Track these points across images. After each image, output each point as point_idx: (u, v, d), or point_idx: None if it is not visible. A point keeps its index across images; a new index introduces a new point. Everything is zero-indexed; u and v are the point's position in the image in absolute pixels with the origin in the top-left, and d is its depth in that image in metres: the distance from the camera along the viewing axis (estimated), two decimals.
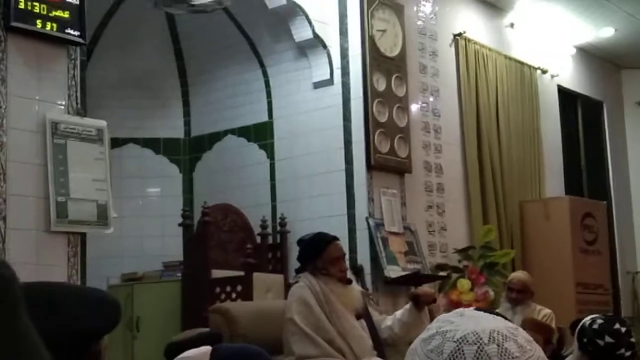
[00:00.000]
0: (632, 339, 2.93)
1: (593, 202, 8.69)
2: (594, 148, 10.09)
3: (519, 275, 6.14)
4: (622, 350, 2.90)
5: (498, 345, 1.05)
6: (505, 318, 1.16)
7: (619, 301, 9.32)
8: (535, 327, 4.84)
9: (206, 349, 2.64)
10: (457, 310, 1.15)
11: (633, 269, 9.95)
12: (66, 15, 4.84)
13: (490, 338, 1.06)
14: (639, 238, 10.16)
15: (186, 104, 7.56)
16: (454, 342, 1.06)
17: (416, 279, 6.13)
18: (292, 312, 4.02)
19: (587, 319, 3.00)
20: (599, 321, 2.95)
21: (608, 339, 2.89)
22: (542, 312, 5.86)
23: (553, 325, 5.73)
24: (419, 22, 7.37)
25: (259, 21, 6.93)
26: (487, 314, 1.14)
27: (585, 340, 2.95)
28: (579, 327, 3.01)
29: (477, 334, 1.06)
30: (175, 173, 7.49)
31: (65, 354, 1.27)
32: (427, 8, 7.49)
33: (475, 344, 1.05)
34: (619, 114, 10.46)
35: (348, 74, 6.56)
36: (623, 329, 2.92)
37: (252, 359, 2.45)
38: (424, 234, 6.99)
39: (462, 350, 1.05)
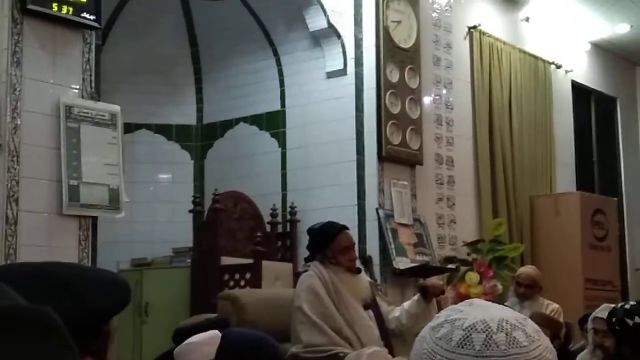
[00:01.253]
0: None
1: (604, 198, 8.67)
2: (606, 144, 10.06)
3: (527, 270, 6.13)
4: None
5: (506, 334, 1.06)
6: None
7: (628, 298, 9.30)
8: (543, 322, 4.82)
9: (213, 333, 2.65)
10: (467, 300, 1.16)
11: None
12: None
13: (498, 327, 1.07)
14: None
15: (199, 90, 7.57)
16: (463, 330, 1.07)
17: (424, 270, 6.12)
18: (301, 300, 4.03)
19: (619, 304, 3.13)
20: (631, 303, 3.07)
21: (638, 319, 2.96)
22: (550, 307, 5.85)
23: (561, 320, 5.72)
24: (434, 14, 7.35)
25: (273, 9, 6.93)
26: (496, 304, 1.14)
27: (614, 319, 3.03)
28: (610, 310, 3.12)
29: (485, 322, 1.07)
30: (187, 160, 7.50)
31: (76, 334, 1.28)
32: (442, 0, 7.47)
33: (483, 332, 1.06)
34: (632, 110, 10.42)
35: (362, 64, 6.55)
36: None
37: (263, 346, 2.47)
38: (434, 226, 6.99)
39: (471, 338, 1.06)
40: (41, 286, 1.28)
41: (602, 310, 4.74)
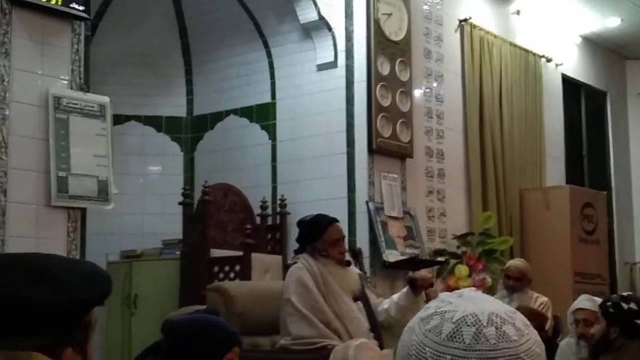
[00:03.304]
0: None
1: (593, 191, 8.68)
2: (596, 138, 10.08)
3: (516, 263, 6.13)
4: None
5: (496, 328, 1.06)
6: None
7: (616, 291, 9.34)
8: (527, 314, 4.84)
9: None
10: (456, 290, 1.15)
11: (631, 259, 9.97)
12: None
13: (488, 320, 1.06)
14: (638, 229, 10.17)
15: (189, 82, 7.55)
16: (453, 323, 1.06)
17: (414, 263, 6.13)
18: (290, 292, 4.03)
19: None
20: (630, 293, 3.33)
21: (632, 305, 3.25)
22: (539, 300, 5.87)
23: (549, 313, 5.74)
24: (425, 7, 7.34)
25: (264, 1, 6.90)
26: (485, 296, 1.14)
27: (609, 303, 3.27)
28: (604, 298, 3.41)
29: (475, 315, 1.07)
30: (177, 152, 7.48)
31: (56, 324, 1.28)
32: None
33: (473, 325, 1.06)
34: (622, 104, 10.44)
35: (352, 57, 6.54)
36: None
37: (209, 328, 2.50)
38: (424, 219, 6.99)
39: (461, 332, 1.05)
40: (22, 276, 1.28)
41: (582, 301, 4.79)
